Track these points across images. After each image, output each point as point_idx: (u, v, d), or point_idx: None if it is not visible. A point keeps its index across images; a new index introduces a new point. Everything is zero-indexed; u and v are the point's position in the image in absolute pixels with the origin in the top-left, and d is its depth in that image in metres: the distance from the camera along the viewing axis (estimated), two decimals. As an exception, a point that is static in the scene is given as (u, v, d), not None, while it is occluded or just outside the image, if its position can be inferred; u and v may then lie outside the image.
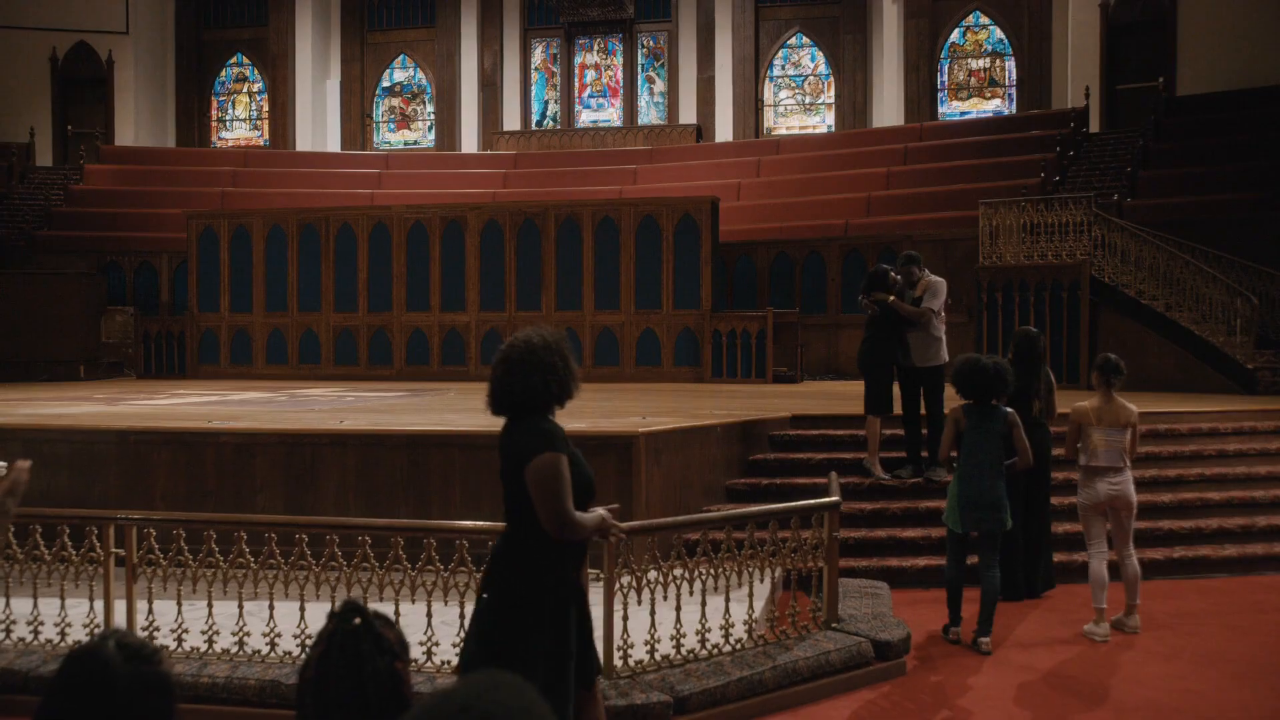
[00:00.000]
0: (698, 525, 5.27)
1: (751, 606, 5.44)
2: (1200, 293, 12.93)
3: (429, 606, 4.99)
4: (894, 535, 7.85)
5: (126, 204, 19.84)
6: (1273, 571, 8.06)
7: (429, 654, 4.97)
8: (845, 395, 12.15)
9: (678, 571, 5.13)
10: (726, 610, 5.30)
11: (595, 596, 4.87)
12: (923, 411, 8.31)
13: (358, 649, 1.85)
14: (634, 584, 4.99)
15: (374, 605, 3.92)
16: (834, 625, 5.74)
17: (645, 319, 15.41)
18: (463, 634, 4.88)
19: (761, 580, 5.69)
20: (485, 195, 19.69)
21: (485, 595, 3.41)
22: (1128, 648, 6.24)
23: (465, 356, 15.90)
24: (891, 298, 8.16)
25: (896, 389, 8.46)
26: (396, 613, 4.75)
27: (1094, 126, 18.70)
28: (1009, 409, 6.46)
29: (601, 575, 4.88)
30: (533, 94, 24.24)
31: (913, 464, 8.35)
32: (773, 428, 8.83)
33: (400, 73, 24.57)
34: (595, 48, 24.05)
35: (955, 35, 21.83)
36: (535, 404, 3.44)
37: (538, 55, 24.25)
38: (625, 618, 4.94)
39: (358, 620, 1.88)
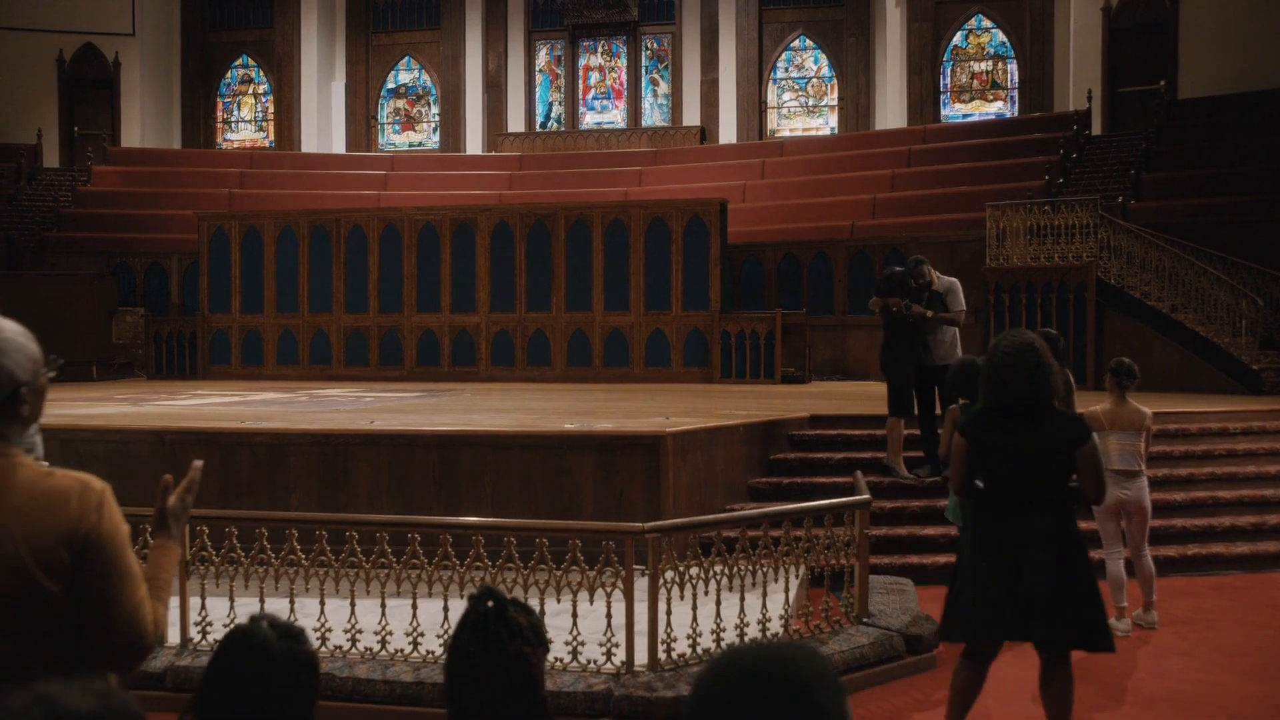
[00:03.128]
0: (736, 522, 5.43)
1: (787, 601, 5.59)
2: (1205, 294, 13.12)
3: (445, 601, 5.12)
4: (914, 533, 8.01)
5: (135, 205, 19.93)
6: (1283, 569, 8.23)
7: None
8: (856, 395, 12.33)
9: (718, 568, 5.28)
10: (763, 605, 5.44)
11: (640, 592, 5.03)
12: (938, 411, 8.46)
13: (488, 631, 1.99)
14: (676, 579, 5.13)
15: (393, 602, 4.20)
16: (865, 620, 5.89)
17: (655, 320, 15.55)
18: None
19: (796, 576, 5.84)
20: (491, 197, 19.81)
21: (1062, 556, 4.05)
22: (1147, 643, 6.39)
23: (475, 357, 16.03)
24: (931, 312, 8.35)
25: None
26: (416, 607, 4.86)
27: (1096, 129, 18.87)
28: None
29: (646, 570, 5.02)
30: (537, 96, 24.37)
31: (931, 463, 8.49)
32: (792, 428, 8.98)
33: (405, 74, 24.69)
34: (599, 50, 24.18)
35: (958, 38, 22.00)
36: (1051, 397, 4.14)
37: (542, 57, 24.38)
38: (669, 612, 5.08)
39: (490, 604, 2.01)
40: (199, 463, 2.37)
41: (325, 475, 7.48)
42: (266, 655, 2.01)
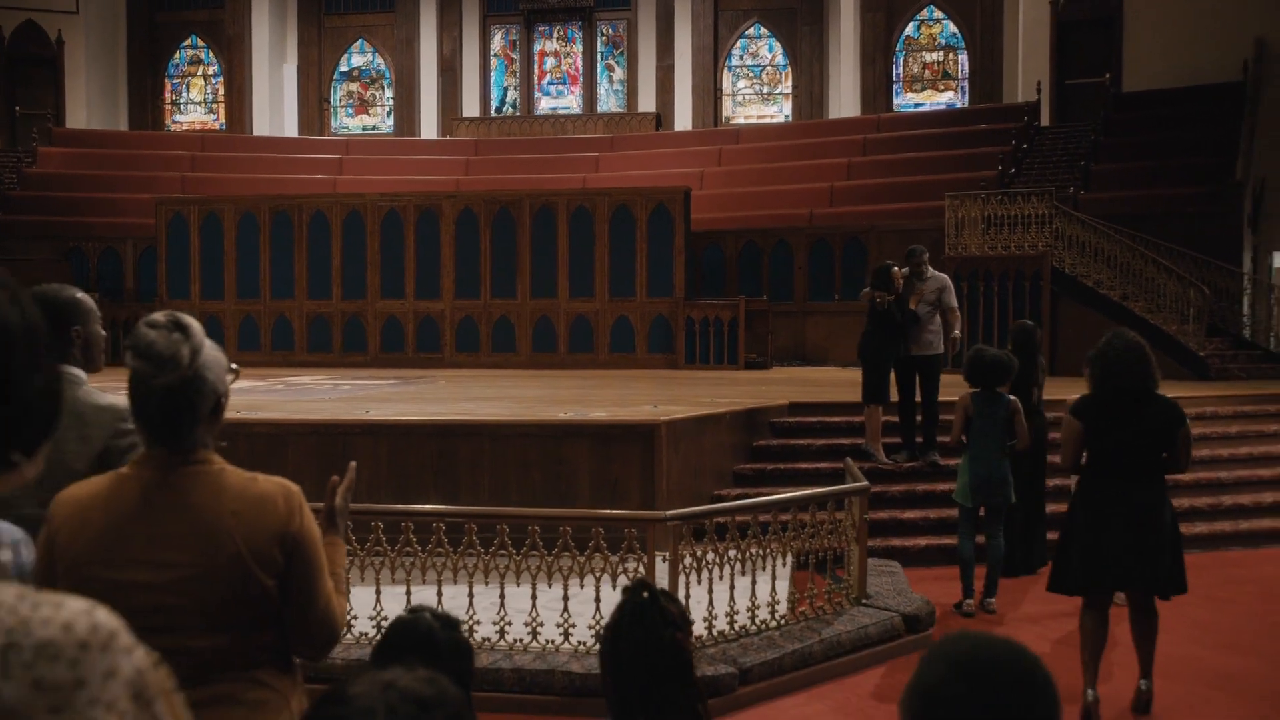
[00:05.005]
0: (749, 509, 5.66)
1: (793, 586, 5.83)
2: (1154, 283, 13.62)
3: (534, 589, 5.30)
4: (895, 516, 8.29)
5: (84, 188, 19.59)
6: (1239, 547, 8.70)
7: (564, 634, 5.27)
8: (824, 381, 12.63)
9: (731, 552, 5.49)
10: (772, 588, 5.68)
11: (660, 576, 5.22)
12: (917, 398, 8.75)
13: (646, 620, 2.17)
14: (694, 564, 5.34)
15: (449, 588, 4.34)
16: (864, 601, 6.15)
17: (619, 307, 15.71)
18: (573, 614, 5.18)
19: (802, 561, 6.07)
20: (448, 182, 19.80)
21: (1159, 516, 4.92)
22: (1124, 619, 6.72)
23: (440, 343, 16.07)
24: (957, 334, 8.78)
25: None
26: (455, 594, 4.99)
27: (1045, 120, 19.35)
28: (1011, 396, 6.98)
29: (666, 557, 5.22)
30: (492, 80, 24.33)
31: (908, 449, 8.79)
32: (773, 415, 9.23)
33: (358, 57, 24.48)
34: (555, 35, 24.20)
35: (910, 28, 22.39)
36: (1156, 386, 4.93)
37: (497, 42, 24.33)
38: (687, 595, 5.28)
39: (646, 595, 2.20)
40: (354, 464, 2.52)
41: (324, 465, 7.54)
42: (433, 643, 2.17)
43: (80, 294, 2.97)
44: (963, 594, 6.78)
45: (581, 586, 5.28)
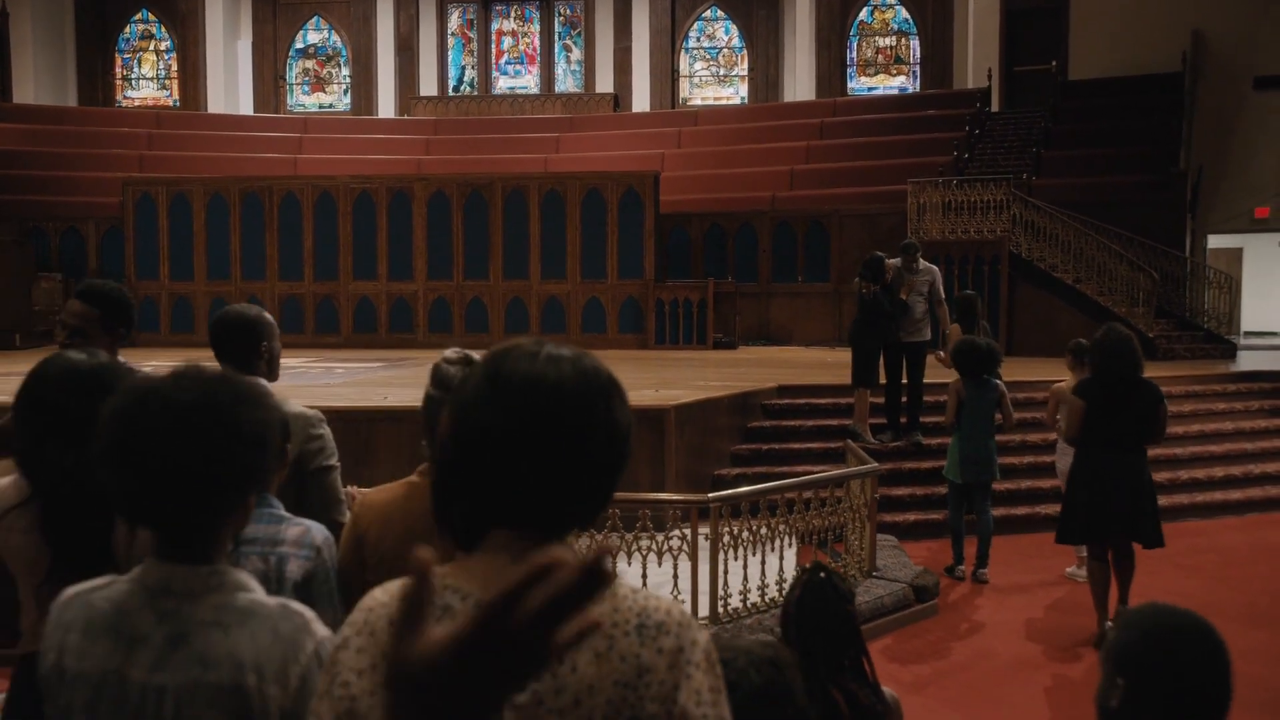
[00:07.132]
0: (778, 490, 6.11)
1: (813, 558, 6.31)
2: (1106, 267, 14.34)
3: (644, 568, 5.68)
4: (884, 494, 8.75)
5: (39, 166, 19.32)
6: (1196, 518, 9.39)
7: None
8: (793, 362, 13.14)
9: (763, 530, 5.95)
10: (797, 563, 6.15)
11: (701, 553, 5.65)
12: (904, 382, 9.28)
13: (823, 594, 2.60)
14: (731, 541, 5.78)
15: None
16: (874, 574, 6.65)
17: (590, 288, 16.07)
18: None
19: (810, 538, 6.55)
20: (410, 162, 19.91)
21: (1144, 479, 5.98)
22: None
23: (413, 324, 16.29)
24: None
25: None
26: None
27: (994, 106, 20.00)
28: (998, 381, 7.54)
29: (708, 535, 5.65)
30: (449, 59, 24.37)
31: (893, 429, 9.32)
32: (763, 397, 9.69)
33: (314, 34, 24.34)
34: (512, 15, 24.31)
35: (864, 13, 22.90)
36: (1142, 372, 5.92)
37: (454, 20, 24.36)
38: (726, 570, 5.73)
39: (822, 574, 2.63)
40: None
41: (348, 451, 7.80)
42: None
43: (263, 312, 3.28)
44: (954, 560, 7.33)
45: (629, 564, 5.69)
